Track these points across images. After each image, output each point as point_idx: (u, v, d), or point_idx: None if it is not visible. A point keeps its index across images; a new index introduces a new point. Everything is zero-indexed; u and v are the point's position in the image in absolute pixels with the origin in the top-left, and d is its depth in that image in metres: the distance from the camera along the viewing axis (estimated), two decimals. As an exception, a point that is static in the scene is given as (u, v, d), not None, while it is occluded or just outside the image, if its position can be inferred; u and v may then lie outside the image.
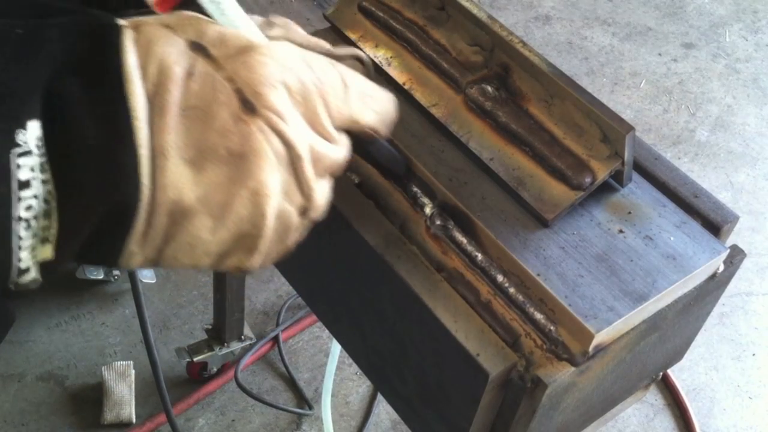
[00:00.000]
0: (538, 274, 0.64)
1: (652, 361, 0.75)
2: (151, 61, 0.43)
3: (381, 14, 0.79)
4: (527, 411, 0.63)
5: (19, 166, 0.40)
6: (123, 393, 1.51)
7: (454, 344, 0.62)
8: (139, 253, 0.46)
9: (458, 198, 0.68)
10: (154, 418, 1.49)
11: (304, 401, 1.57)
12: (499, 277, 0.65)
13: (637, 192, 0.72)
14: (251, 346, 1.56)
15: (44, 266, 0.43)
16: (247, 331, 1.53)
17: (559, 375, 0.60)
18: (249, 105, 0.45)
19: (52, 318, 1.63)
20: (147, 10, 0.49)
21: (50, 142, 0.41)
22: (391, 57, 0.78)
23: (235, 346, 1.52)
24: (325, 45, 0.56)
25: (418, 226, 0.69)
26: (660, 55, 2.58)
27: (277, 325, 1.67)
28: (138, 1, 0.50)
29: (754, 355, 1.81)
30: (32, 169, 0.41)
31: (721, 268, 0.70)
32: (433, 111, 0.74)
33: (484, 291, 0.65)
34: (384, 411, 1.58)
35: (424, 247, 0.68)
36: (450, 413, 0.67)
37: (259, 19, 0.54)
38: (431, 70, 0.76)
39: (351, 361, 1.38)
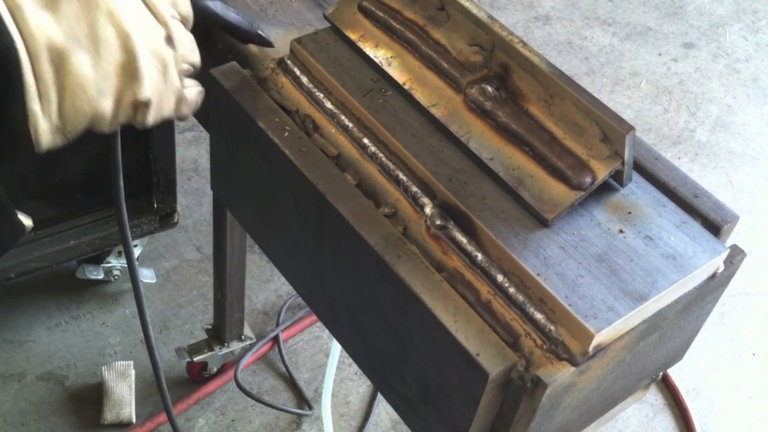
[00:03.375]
0: (538, 274, 0.64)
1: (652, 361, 0.75)
2: None
3: (381, 14, 0.79)
4: (527, 411, 0.63)
5: None
6: (123, 393, 1.51)
7: (454, 344, 0.62)
8: (42, 115, 0.50)
9: (458, 198, 0.68)
10: (154, 418, 1.49)
11: (304, 401, 1.57)
12: (499, 277, 0.65)
13: (637, 192, 0.72)
14: (251, 346, 1.56)
15: None
16: (247, 331, 1.53)
17: (559, 375, 0.60)
18: None
19: (52, 318, 1.63)
20: None
21: None
22: (391, 57, 0.78)
23: (235, 346, 1.52)
24: None
25: (418, 226, 0.69)
26: (660, 55, 2.58)
27: (277, 325, 1.67)
28: None
29: (754, 355, 1.81)
30: None
31: (721, 268, 0.70)
32: (433, 111, 0.74)
33: (484, 291, 0.65)
34: (384, 411, 1.58)
35: (424, 247, 0.68)
36: (450, 413, 0.67)
37: None
38: (431, 70, 0.76)
39: (351, 361, 1.38)
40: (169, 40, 0.56)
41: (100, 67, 0.52)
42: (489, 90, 0.72)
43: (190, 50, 0.58)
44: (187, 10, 0.59)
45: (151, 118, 0.57)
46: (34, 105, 0.49)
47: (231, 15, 0.72)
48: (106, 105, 0.53)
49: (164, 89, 0.56)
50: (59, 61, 0.50)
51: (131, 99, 0.54)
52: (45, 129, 0.51)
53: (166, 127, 1.36)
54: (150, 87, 0.55)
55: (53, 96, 0.50)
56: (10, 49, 0.48)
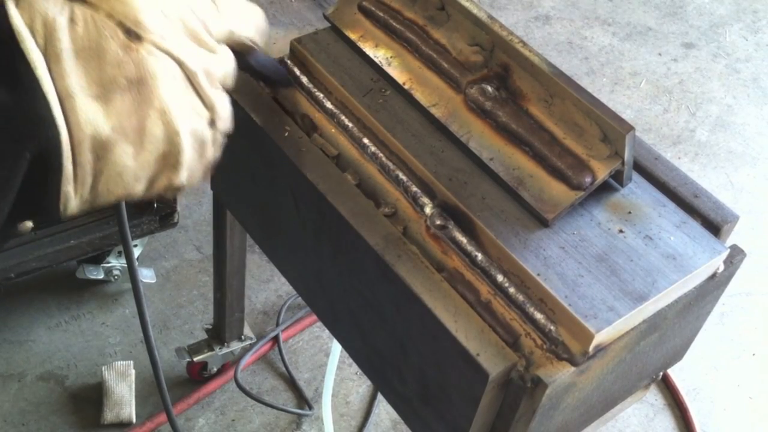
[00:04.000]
0: (538, 274, 0.64)
1: (652, 361, 0.75)
2: (36, 19, 0.47)
3: (381, 14, 0.79)
4: (527, 411, 0.63)
5: None
6: (123, 393, 1.51)
7: (454, 344, 0.62)
8: (75, 195, 0.50)
9: (458, 198, 0.68)
10: (154, 418, 1.49)
11: (304, 401, 1.57)
12: (499, 277, 0.65)
13: (637, 192, 0.72)
14: (251, 345, 1.56)
15: None
16: (247, 330, 1.52)
17: (559, 375, 0.60)
18: (133, 33, 0.50)
19: (52, 318, 1.63)
20: None
21: None
22: (391, 57, 0.78)
23: (235, 346, 1.52)
24: None
25: (418, 226, 0.69)
26: (660, 55, 2.58)
27: (277, 324, 1.66)
28: None
29: (754, 355, 1.81)
30: None
31: (721, 268, 0.70)
32: (433, 111, 0.74)
33: (484, 291, 0.65)
34: (384, 411, 1.58)
35: (424, 247, 0.68)
36: (450, 413, 0.67)
37: None
38: (431, 70, 0.76)
39: (351, 361, 1.38)
40: (213, 123, 0.56)
41: (141, 158, 0.51)
42: (489, 90, 0.72)
43: (228, 123, 0.57)
44: (232, 82, 0.58)
45: (180, 194, 0.56)
46: (68, 187, 0.49)
47: (268, 68, 0.71)
48: (140, 188, 0.53)
49: (198, 167, 0.56)
50: (101, 150, 0.49)
51: (165, 183, 0.54)
52: (74, 205, 0.51)
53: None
54: (187, 172, 0.55)
55: (88, 179, 0.50)
56: (53, 140, 0.47)
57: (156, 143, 0.51)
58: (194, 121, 0.53)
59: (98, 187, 0.51)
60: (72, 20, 0.48)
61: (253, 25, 0.61)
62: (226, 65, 0.56)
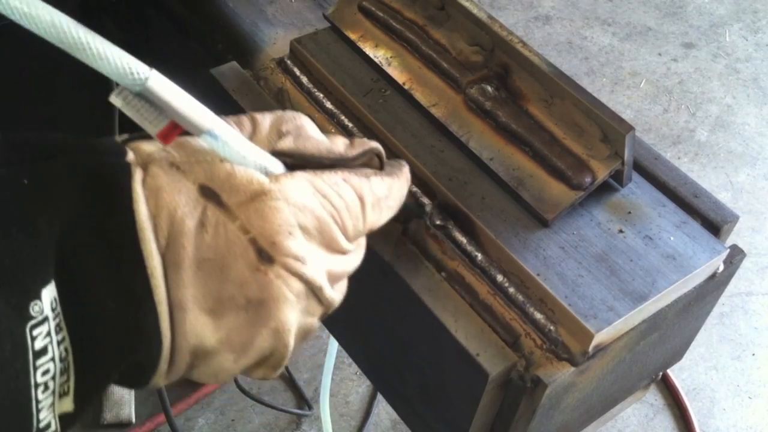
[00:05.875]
0: (538, 274, 0.64)
1: (652, 361, 0.75)
2: (162, 212, 0.43)
3: (381, 14, 0.79)
4: (527, 411, 0.63)
5: (33, 337, 0.39)
6: (123, 393, 1.51)
7: (454, 344, 0.62)
8: (165, 378, 0.46)
9: (458, 198, 0.68)
10: (154, 418, 1.49)
11: (303, 401, 1.57)
12: (499, 277, 0.65)
13: (637, 192, 0.72)
14: (251, 346, 1.56)
15: (64, 417, 0.42)
16: (247, 331, 1.52)
17: (559, 375, 0.60)
18: (265, 255, 0.45)
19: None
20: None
21: (66, 303, 0.40)
22: (391, 57, 0.78)
23: (235, 346, 1.52)
24: (339, 148, 0.53)
25: (418, 226, 0.69)
26: (660, 55, 2.58)
27: (277, 325, 1.67)
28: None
29: (754, 355, 1.81)
30: (48, 335, 0.40)
31: (721, 267, 0.70)
32: (433, 111, 0.74)
33: (484, 291, 0.65)
34: (384, 411, 1.58)
35: (424, 247, 0.68)
36: (450, 413, 0.67)
37: (267, 125, 0.52)
38: (431, 70, 0.76)
39: (351, 361, 1.38)
40: (323, 315, 0.51)
41: (241, 362, 0.47)
42: (489, 90, 0.72)
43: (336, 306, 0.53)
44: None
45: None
46: (159, 380, 0.46)
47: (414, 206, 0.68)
48: (231, 379, 0.51)
49: (297, 351, 0.52)
50: (201, 357, 0.46)
51: (260, 377, 0.51)
52: (160, 382, 0.47)
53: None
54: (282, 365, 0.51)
55: (182, 372, 0.46)
56: (153, 354, 0.43)
57: (261, 353, 0.47)
58: (307, 322, 0.49)
59: (190, 375, 0.47)
60: (202, 224, 0.43)
61: (395, 207, 0.55)
62: (354, 263, 0.52)
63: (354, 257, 0.52)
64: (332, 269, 0.49)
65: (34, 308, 0.39)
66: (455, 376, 0.64)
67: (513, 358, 0.61)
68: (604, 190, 0.70)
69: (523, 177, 0.68)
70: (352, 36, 0.80)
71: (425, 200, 0.70)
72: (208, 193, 0.45)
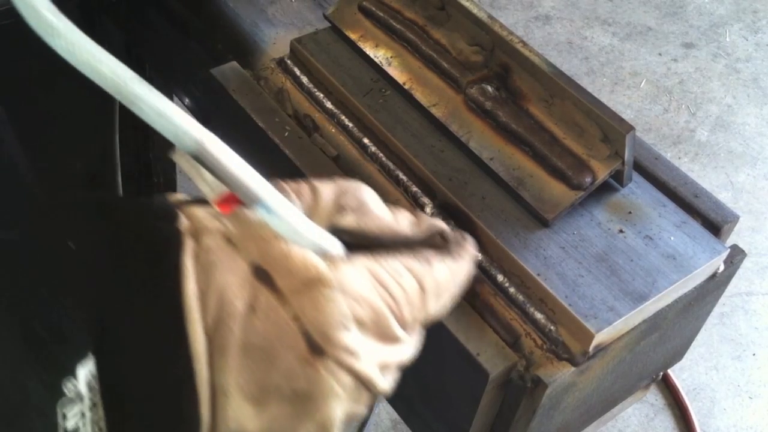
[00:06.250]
0: (538, 274, 0.64)
1: (652, 360, 0.75)
2: (211, 290, 0.40)
3: (381, 14, 0.79)
4: (527, 411, 0.63)
5: (65, 416, 0.38)
6: None
7: (455, 344, 0.62)
8: None
9: (458, 198, 0.68)
10: None
11: (304, 401, 1.57)
12: (500, 277, 0.65)
13: (637, 192, 0.72)
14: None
15: None
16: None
17: (559, 375, 0.60)
18: (317, 347, 0.42)
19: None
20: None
21: (104, 378, 0.39)
22: (391, 57, 0.78)
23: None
24: (404, 229, 0.50)
25: (418, 226, 0.69)
26: (660, 55, 2.58)
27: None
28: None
29: (754, 355, 1.81)
30: (81, 414, 0.38)
31: (721, 267, 0.70)
32: (433, 111, 0.74)
33: (484, 291, 0.65)
34: (384, 411, 1.58)
35: (424, 247, 0.68)
36: (450, 413, 0.67)
37: (328, 198, 0.49)
38: (431, 70, 0.76)
39: (351, 361, 1.38)
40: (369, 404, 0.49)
41: None
42: (489, 90, 0.72)
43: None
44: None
45: None
46: None
47: None
48: None
49: None
50: None
51: None
52: None
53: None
54: None
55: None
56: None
57: None
58: (354, 410, 0.46)
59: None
60: (252, 308, 0.41)
61: (459, 291, 0.51)
62: (409, 352, 0.49)
63: (410, 346, 0.49)
64: (385, 360, 0.47)
65: (68, 385, 0.38)
66: (455, 376, 0.64)
67: (513, 358, 0.61)
68: (605, 190, 0.70)
69: (524, 177, 0.68)
70: (353, 36, 0.80)
71: (425, 200, 0.70)
72: (262, 275, 0.42)
